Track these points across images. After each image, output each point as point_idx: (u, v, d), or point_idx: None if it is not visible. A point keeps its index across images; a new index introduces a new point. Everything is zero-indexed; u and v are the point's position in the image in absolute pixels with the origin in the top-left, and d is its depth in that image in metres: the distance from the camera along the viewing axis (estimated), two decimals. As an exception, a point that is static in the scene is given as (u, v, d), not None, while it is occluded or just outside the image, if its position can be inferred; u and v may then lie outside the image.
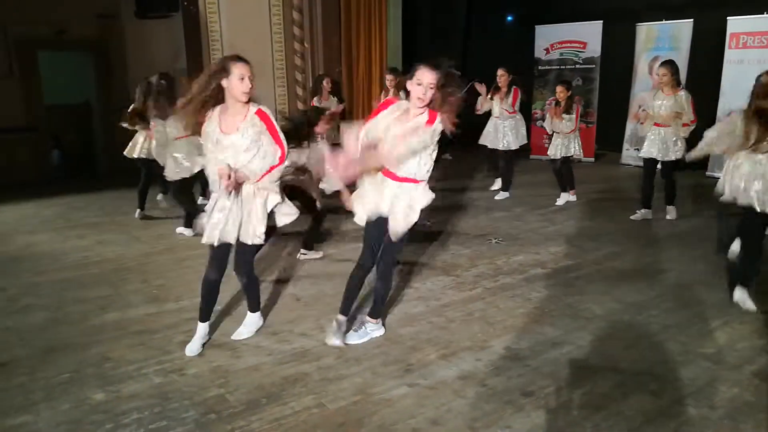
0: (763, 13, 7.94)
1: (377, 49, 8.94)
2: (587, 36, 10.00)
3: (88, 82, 9.69)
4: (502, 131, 7.21)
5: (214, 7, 8.51)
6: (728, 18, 8.25)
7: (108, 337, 3.57)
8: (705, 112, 8.81)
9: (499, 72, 7.17)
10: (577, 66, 10.20)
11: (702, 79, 8.61)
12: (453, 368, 3.14)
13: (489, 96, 7.17)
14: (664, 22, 9.16)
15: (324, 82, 7.76)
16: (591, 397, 2.86)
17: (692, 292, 4.19)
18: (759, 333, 3.51)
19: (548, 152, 7.06)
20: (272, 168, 3.17)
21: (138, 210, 6.44)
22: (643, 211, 6.15)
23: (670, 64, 5.86)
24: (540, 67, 10.61)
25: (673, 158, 5.79)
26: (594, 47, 9.95)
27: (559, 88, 6.84)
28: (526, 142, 7.61)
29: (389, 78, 7.71)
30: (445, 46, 10.84)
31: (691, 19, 8.77)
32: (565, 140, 6.75)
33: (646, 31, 9.39)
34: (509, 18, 12.21)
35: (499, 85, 7.17)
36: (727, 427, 2.61)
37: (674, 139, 5.81)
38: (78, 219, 6.58)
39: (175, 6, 8.66)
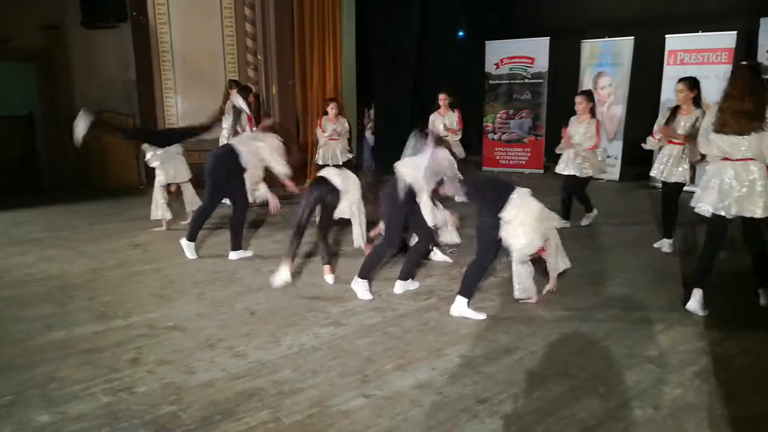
0: (698, 32, 8.39)
1: (331, 62, 8.98)
2: (535, 52, 10.35)
3: (32, 93, 9.34)
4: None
5: (165, 18, 8.38)
6: (666, 36, 8.69)
7: (53, 356, 3.45)
8: (645, 126, 9.23)
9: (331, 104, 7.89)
10: (526, 80, 10.52)
11: (642, 93, 9.03)
12: (409, 378, 3.17)
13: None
14: (606, 39, 9.56)
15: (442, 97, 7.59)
16: (543, 402, 2.93)
17: (636, 297, 4.36)
18: (699, 335, 3.68)
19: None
20: None
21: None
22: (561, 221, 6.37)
23: (587, 94, 6.32)
24: (491, 81, 10.87)
25: (583, 176, 6.15)
26: (542, 62, 10.30)
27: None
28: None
29: (442, 97, 7.58)
30: (399, 59, 10.97)
31: (632, 37, 9.20)
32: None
33: (590, 48, 9.78)
34: (460, 33, 12.48)
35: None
36: (671, 427, 2.72)
37: (583, 156, 6.13)
38: (20, 235, 6.33)
39: (124, 16, 8.49)
